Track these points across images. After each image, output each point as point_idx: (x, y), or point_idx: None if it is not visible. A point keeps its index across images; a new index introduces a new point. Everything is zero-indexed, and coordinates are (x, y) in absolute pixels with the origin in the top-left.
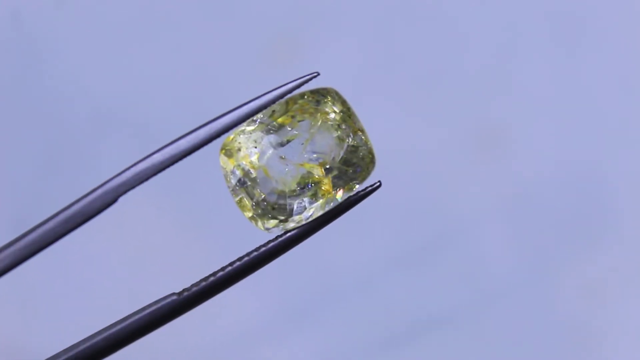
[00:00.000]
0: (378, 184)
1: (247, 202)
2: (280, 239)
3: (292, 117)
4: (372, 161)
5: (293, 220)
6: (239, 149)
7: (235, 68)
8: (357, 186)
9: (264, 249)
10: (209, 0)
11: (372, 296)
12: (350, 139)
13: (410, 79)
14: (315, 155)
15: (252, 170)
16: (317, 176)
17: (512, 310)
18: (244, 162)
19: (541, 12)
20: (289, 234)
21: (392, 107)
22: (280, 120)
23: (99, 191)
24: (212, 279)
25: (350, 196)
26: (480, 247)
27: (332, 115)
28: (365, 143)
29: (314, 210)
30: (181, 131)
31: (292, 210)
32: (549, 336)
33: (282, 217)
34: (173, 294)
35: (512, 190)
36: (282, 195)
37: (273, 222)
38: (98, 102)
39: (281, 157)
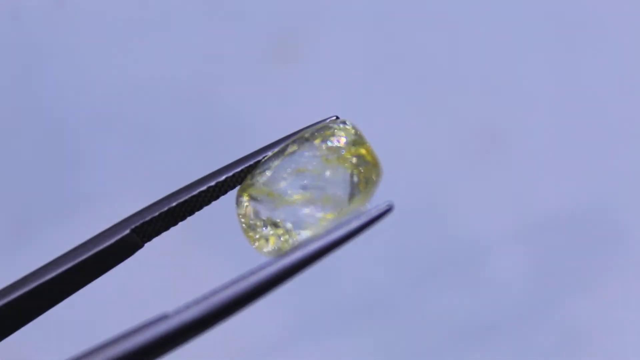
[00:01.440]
0: (389, 208)
1: (259, 235)
2: (286, 261)
3: (304, 154)
4: (379, 176)
5: (297, 236)
6: (253, 184)
7: (235, 68)
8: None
9: (271, 267)
10: (209, 0)
11: (382, 315)
12: (361, 169)
13: (410, 80)
14: (324, 194)
15: (261, 196)
16: (324, 207)
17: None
18: (256, 190)
19: (541, 12)
20: (293, 257)
21: (392, 107)
22: (292, 153)
23: (120, 234)
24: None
25: (360, 221)
26: (485, 253)
27: (343, 150)
28: (375, 167)
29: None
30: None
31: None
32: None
33: (287, 235)
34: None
35: (513, 190)
36: (287, 212)
37: (276, 237)
38: (98, 102)
39: (294, 191)
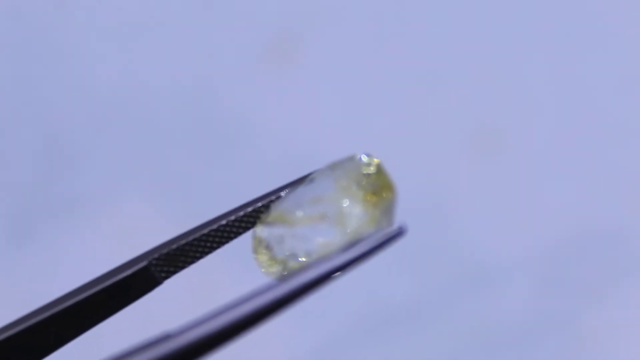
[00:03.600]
0: (402, 231)
1: (268, 257)
2: (296, 282)
3: (321, 184)
4: (394, 205)
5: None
6: (270, 212)
7: (235, 68)
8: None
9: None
10: None
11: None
12: (377, 200)
13: (410, 80)
14: (338, 222)
15: (275, 221)
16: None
17: None
18: (271, 216)
19: (542, 11)
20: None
21: (393, 108)
22: (310, 183)
23: (135, 268)
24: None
25: (370, 244)
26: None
27: (361, 181)
28: (392, 197)
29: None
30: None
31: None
32: None
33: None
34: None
35: (514, 192)
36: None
37: (286, 261)
38: (97, 102)
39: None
